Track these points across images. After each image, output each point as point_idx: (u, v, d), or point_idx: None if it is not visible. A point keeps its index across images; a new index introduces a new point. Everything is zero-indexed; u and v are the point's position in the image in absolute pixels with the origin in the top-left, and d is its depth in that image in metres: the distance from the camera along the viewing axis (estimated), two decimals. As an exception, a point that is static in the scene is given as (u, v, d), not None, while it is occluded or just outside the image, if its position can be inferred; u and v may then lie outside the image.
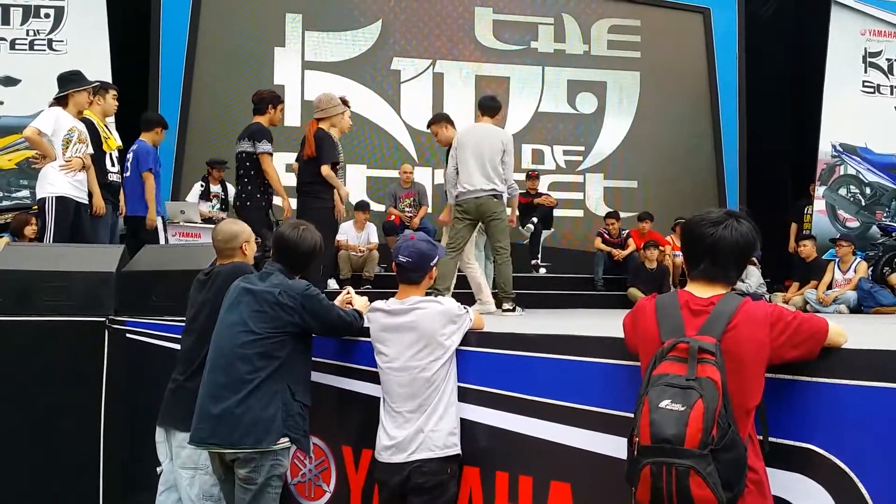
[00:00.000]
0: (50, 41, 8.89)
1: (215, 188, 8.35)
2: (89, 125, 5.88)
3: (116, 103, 6.28)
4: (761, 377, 2.17)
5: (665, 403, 1.99)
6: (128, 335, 4.39)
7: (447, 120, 6.34)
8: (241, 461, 3.11)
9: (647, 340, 2.25)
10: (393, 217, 9.20)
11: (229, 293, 3.32)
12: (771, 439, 2.33)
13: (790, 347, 2.19)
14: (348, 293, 3.71)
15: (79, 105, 5.70)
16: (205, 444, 3.16)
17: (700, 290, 2.26)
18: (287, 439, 3.14)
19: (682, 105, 11.32)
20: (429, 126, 6.49)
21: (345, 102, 6.19)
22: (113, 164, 6.12)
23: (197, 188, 8.34)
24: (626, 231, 9.67)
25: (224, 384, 3.12)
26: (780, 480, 2.33)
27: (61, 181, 5.45)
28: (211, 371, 3.20)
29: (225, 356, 3.16)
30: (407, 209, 9.31)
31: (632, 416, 2.15)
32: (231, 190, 8.17)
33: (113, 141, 6.15)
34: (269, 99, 6.06)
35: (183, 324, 3.76)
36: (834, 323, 2.28)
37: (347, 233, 8.64)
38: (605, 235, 9.65)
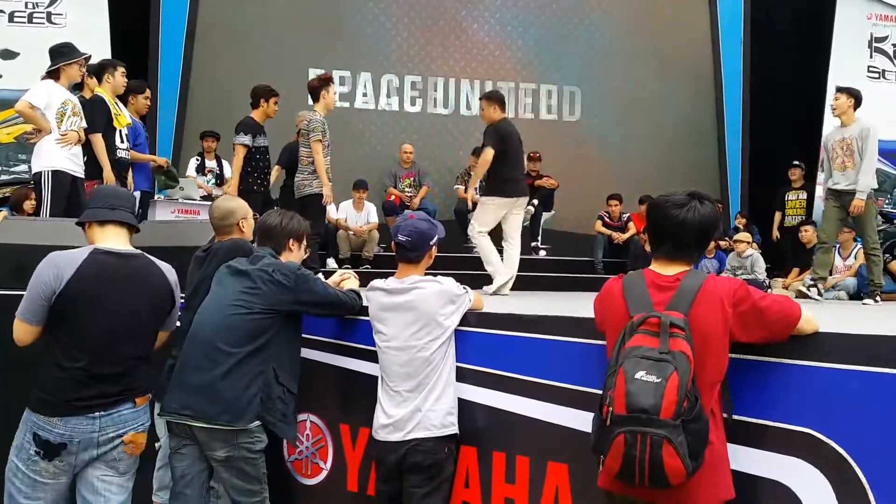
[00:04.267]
0: (49, 14, 8.81)
1: (210, 163, 8.30)
2: (100, 102, 5.90)
3: (125, 80, 6.26)
4: (724, 352, 2.22)
5: (640, 375, 2.06)
6: (126, 311, 4.37)
7: (499, 101, 6.25)
8: (214, 439, 3.08)
9: (615, 318, 2.32)
10: (393, 197, 9.17)
11: (218, 274, 3.32)
12: (769, 423, 2.37)
13: (757, 328, 2.24)
14: (342, 275, 3.72)
15: (71, 78, 5.66)
16: (177, 414, 3.12)
17: (664, 269, 2.34)
18: (259, 422, 3.11)
19: (686, 89, 11.24)
20: (480, 99, 6.47)
21: (327, 79, 6.30)
22: (122, 141, 6.14)
23: (193, 162, 8.31)
24: (627, 214, 9.65)
25: (206, 356, 3.11)
26: (778, 464, 2.35)
27: (57, 155, 5.42)
28: (192, 343, 3.19)
29: (209, 329, 3.16)
30: (407, 189, 9.29)
31: None
32: (227, 165, 8.30)
33: (123, 118, 6.15)
34: (261, 93, 6.53)
35: (182, 301, 3.75)
36: (807, 311, 2.31)
37: (347, 212, 8.61)
38: (606, 218, 9.63)
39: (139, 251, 3.12)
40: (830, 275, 8.34)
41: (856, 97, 6.40)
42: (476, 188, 9.26)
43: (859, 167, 6.21)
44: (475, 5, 10.72)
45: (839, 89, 6.49)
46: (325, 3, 10.27)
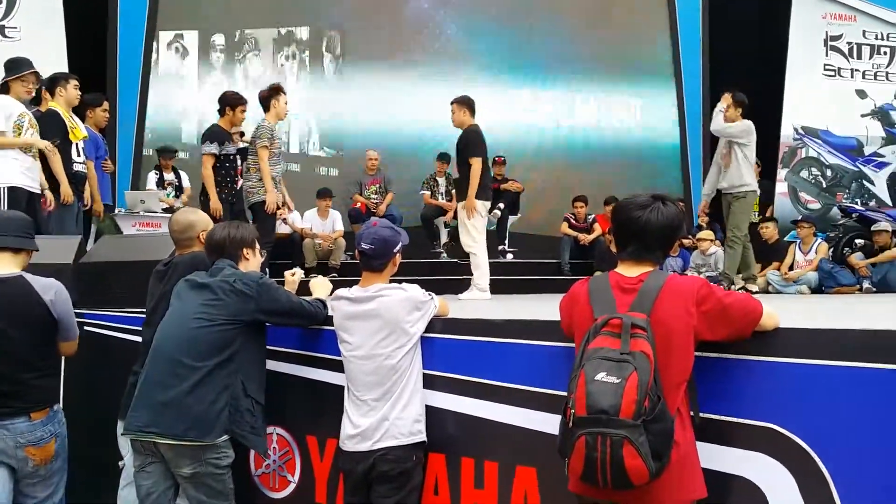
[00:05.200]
0: (2, 27, 8.65)
1: (168, 176, 8.21)
2: (55, 115, 5.80)
3: (79, 93, 6.16)
4: (689, 351, 2.24)
5: (601, 376, 2.07)
6: (86, 328, 4.28)
7: (469, 106, 6.36)
8: (181, 456, 3.03)
9: (581, 320, 2.33)
10: (359, 204, 9.13)
11: (177, 288, 3.27)
12: (732, 419, 2.37)
13: (721, 326, 2.26)
14: (293, 274, 3.71)
15: (18, 94, 5.56)
16: (142, 432, 3.06)
17: (629, 271, 2.35)
18: (227, 437, 3.08)
19: (648, 88, 11.37)
20: (451, 103, 6.53)
21: (279, 90, 6.26)
22: (79, 155, 6.05)
23: (152, 177, 8.22)
24: (593, 215, 9.71)
25: (171, 372, 3.06)
26: (742, 460, 2.36)
27: (12, 171, 5.30)
28: (155, 359, 3.14)
29: (172, 344, 3.11)
30: (373, 196, 9.25)
31: None
32: (184, 177, 8.28)
33: (79, 131, 6.06)
34: (228, 101, 6.33)
35: (143, 315, 3.70)
36: (768, 306, 2.34)
37: (312, 221, 8.57)
38: (572, 220, 9.68)
39: (18, 273, 3.28)
40: (791, 269, 8.48)
41: (740, 103, 6.62)
42: (442, 193, 9.31)
43: (735, 166, 6.50)
44: (437, 12, 10.73)
45: (725, 98, 6.69)
46: (285, 7, 10.20)
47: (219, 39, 9.99)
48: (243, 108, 6.38)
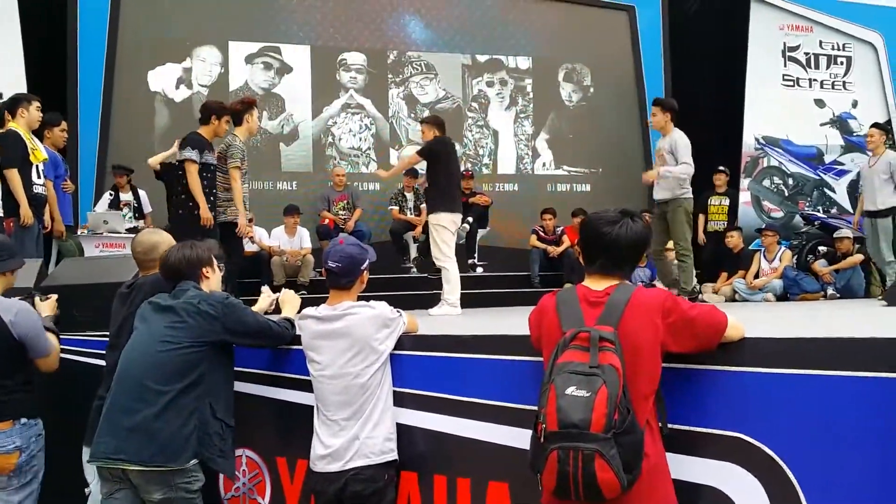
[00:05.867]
0: (-40, 49, 8.47)
1: (126, 196, 7.85)
2: (15, 136, 5.73)
3: (40, 114, 6.06)
4: (657, 363, 2.25)
5: (571, 390, 2.07)
6: (49, 352, 4.21)
7: (437, 125, 6.33)
8: (150, 482, 2.97)
9: (550, 334, 2.33)
10: (327, 221, 9.08)
11: (141, 311, 3.22)
12: (701, 429, 2.40)
13: (687, 337, 2.29)
14: (269, 295, 3.67)
15: None
16: (109, 459, 2.98)
17: (596, 284, 2.37)
18: (197, 460, 3.02)
19: (610, 103, 11.47)
20: (421, 122, 6.57)
21: (252, 103, 6.11)
22: (39, 177, 5.97)
23: (106, 198, 7.82)
24: (561, 227, 9.76)
25: (137, 396, 3.00)
26: (712, 470, 2.38)
27: None
28: (121, 384, 3.08)
29: (138, 368, 3.05)
30: (341, 212, 9.21)
31: None
32: (144, 196, 7.94)
33: (39, 153, 5.98)
34: (213, 110, 6.01)
35: (107, 339, 3.63)
36: (733, 317, 2.36)
37: (280, 238, 8.50)
38: (541, 232, 9.72)
39: None
40: (757, 277, 8.60)
41: (672, 109, 6.58)
42: (410, 208, 9.30)
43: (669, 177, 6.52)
44: (403, 29, 10.76)
45: (656, 102, 6.70)
46: (250, 25, 10.16)
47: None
48: (228, 118, 6.03)
